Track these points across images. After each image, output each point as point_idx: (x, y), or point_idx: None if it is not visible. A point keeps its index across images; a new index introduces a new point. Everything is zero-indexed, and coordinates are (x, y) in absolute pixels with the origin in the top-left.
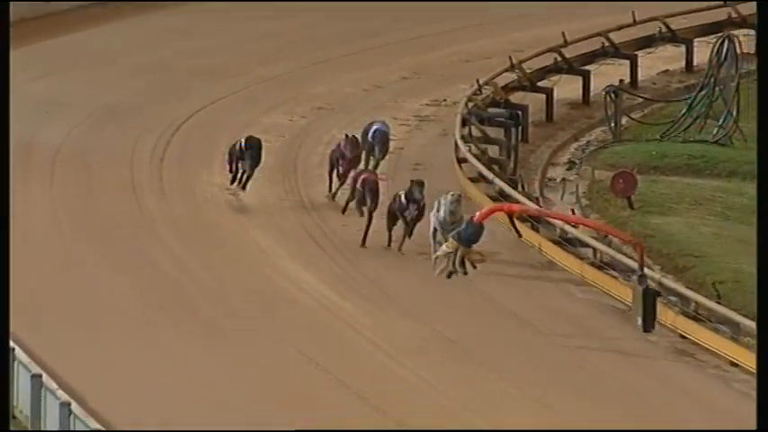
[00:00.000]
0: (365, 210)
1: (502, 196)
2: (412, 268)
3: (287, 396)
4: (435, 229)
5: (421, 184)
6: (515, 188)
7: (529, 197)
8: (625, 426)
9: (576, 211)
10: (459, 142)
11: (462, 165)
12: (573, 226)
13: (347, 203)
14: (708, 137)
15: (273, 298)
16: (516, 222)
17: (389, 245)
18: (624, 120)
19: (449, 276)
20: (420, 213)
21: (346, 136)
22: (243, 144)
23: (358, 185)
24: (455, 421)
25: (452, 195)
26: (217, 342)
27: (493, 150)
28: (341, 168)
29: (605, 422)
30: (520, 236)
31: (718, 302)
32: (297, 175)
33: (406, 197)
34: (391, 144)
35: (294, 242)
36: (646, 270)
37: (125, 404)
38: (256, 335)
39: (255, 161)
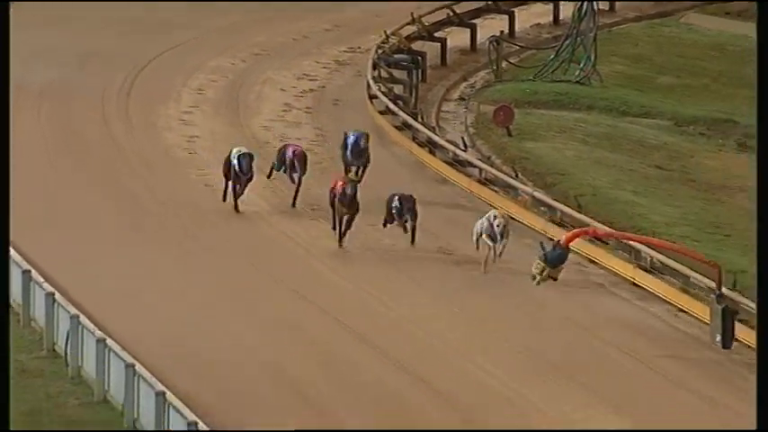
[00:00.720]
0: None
1: (405, 126)
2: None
3: (242, 298)
4: (480, 235)
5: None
6: (416, 119)
7: (426, 126)
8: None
9: (465, 139)
10: (371, 82)
11: (373, 100)
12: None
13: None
14: (571, 78)
15: (229, 213)
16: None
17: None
18: (504, 64)
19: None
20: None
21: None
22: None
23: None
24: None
25: (502, 218)
26: (183, 252)
27: (398, 89)
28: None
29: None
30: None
31: (578, 211)
32: (239, 109)
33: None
34: (315, 83)
35: None
36: (724, 290)
37: (101, 296)
38: (217, 246)
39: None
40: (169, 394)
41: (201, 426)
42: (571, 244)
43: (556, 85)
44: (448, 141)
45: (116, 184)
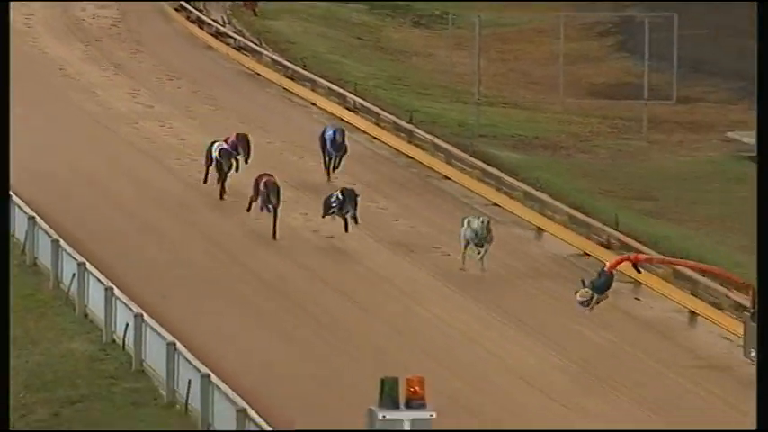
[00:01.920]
0: (270, 207)
1: (182, 8)
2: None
3: None
4: (468, 243)
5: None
6: (188, 3)
7: (196, 8)
8: None
9: (225, 19)
10: None
11: None
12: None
13: (251, 203)
14: None
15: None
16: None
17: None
18: None
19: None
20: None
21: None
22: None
23: (261, 187)
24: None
25: (482, 221)
26: None
27: None
28: None
29: None
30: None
31: (303, 68)
32: None
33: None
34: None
35: None
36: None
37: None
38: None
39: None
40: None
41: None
42: (615, 269)
43: None
44: (212, 19)
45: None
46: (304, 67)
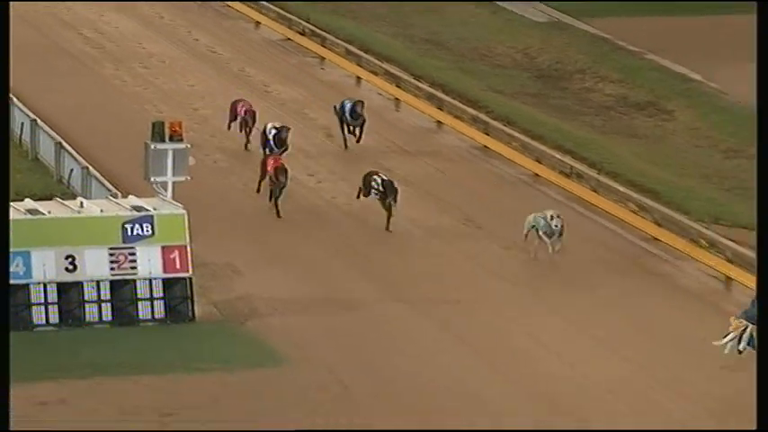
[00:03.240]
0: (247, 129)
1: None
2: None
3: None
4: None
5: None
6: None
7: None
8: None
9: None
10: None
11: None
12: None
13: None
14: None
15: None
16: None
17: None
18: None
19: (739, 353)
20: None
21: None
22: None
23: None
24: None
25: (559, 217)
26: None
27: None
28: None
29: None
30: None
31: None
32: None
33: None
34: None
35: None
36: None
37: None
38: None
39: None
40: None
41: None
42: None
43: None
44: None
45: None
46: None
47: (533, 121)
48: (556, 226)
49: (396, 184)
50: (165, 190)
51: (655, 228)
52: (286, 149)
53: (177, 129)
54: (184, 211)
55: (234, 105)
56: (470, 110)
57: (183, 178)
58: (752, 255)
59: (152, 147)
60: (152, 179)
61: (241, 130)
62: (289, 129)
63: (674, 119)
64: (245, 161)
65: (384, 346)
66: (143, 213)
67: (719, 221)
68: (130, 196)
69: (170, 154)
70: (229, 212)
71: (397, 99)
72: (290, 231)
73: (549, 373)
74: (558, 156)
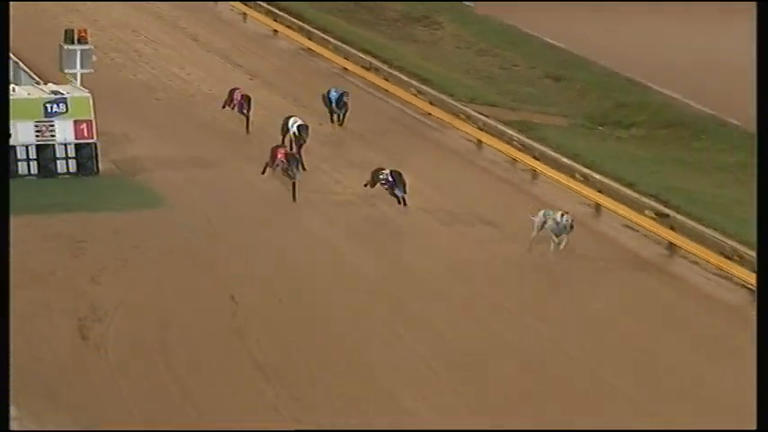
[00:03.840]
0: (244, 111)
1: None
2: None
3: None
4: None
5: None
6: None
7: None
8: None
9: None
10: None
11: None
12: None
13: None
14: None
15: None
16: None
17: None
18: None
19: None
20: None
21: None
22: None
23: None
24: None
25: (567, 218)
26: None
27: None
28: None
29: None
30: None
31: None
32: None
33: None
34: None
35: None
36: None
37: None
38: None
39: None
40: None
41: None
42: None
43: None
44: None
45: None
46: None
47: (344, 30)
48: (566, 221)
49: (404, 176)
50: (75, 79)
51: (429, 106)
52: (304, 143)
53: (83, 34)
54: (89, 95)
55: (231, 92)
56: (297, 21)
57: (88, 71)
58: (496, 124)
59: (65, 47)
60: (66, 71)
61: (240, 111)
62: (308, 126)
63: (443, 28)
64: (137, 61)
65: (238, 195)
66: (59, 96)
67: (474, 101)
68: (50, 83)
69: (78, 53)
70: (124, 99)
71: (244, 14)
72: (167, 113)
73: None
74: (360, 54)
